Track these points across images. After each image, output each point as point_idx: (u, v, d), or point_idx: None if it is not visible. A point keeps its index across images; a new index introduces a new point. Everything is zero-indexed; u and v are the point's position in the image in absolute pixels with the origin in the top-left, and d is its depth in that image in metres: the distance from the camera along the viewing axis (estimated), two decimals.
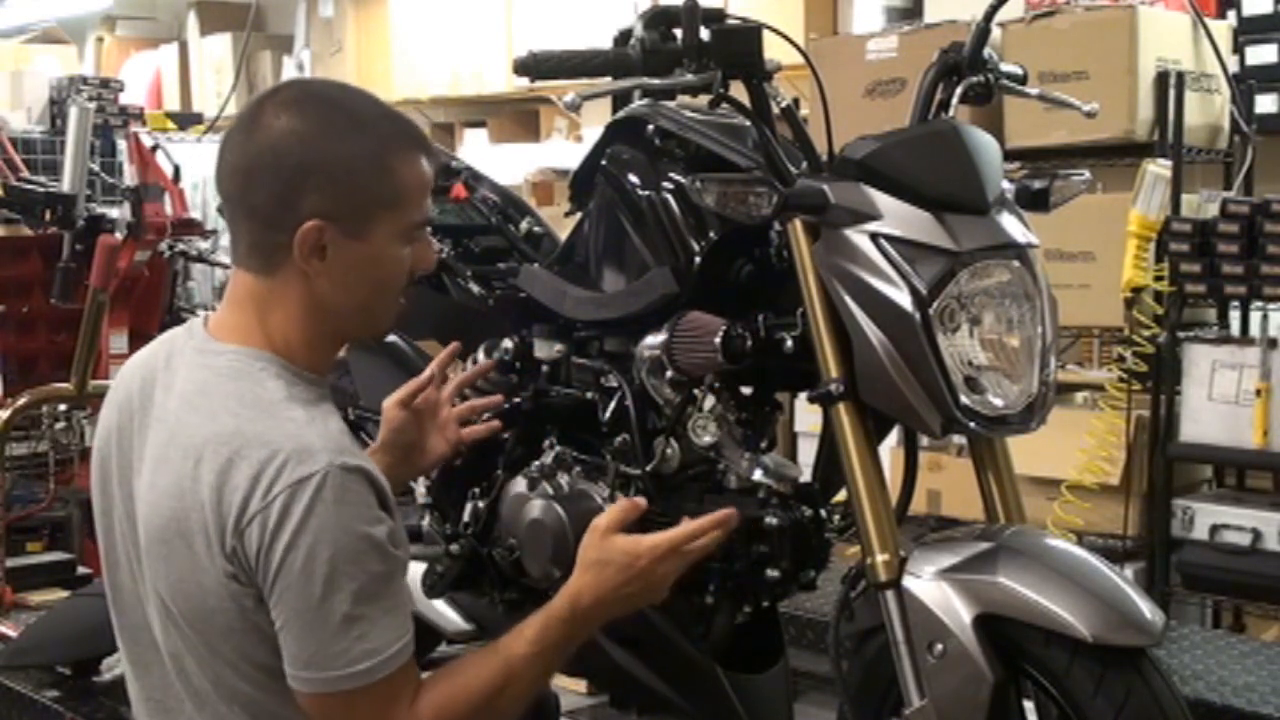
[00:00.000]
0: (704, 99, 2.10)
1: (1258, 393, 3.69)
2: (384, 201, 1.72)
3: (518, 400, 2.54)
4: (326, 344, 1.79)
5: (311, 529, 1.60)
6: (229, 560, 1.64)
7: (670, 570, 1.88)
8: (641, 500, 1.99)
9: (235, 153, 1.71)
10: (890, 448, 2.69)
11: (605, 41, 2.29)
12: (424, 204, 1.78)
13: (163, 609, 1.72)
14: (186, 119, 7.10)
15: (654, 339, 2.24)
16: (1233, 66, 4.08)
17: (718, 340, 2.14)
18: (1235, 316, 4.08)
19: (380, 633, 1.67)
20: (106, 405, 1.84)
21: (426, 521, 2.66)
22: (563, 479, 2.40)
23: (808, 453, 4.28)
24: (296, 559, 1.61)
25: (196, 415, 1.68)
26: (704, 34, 2.10)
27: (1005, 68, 2.22)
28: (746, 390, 2.32)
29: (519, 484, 2.47)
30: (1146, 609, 1.86)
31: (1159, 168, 3.77)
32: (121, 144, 4.96)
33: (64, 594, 3.93)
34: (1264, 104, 4.06)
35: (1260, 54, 4.07)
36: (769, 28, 2.17)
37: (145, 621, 1.78)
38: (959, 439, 3.42)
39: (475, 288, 2.69)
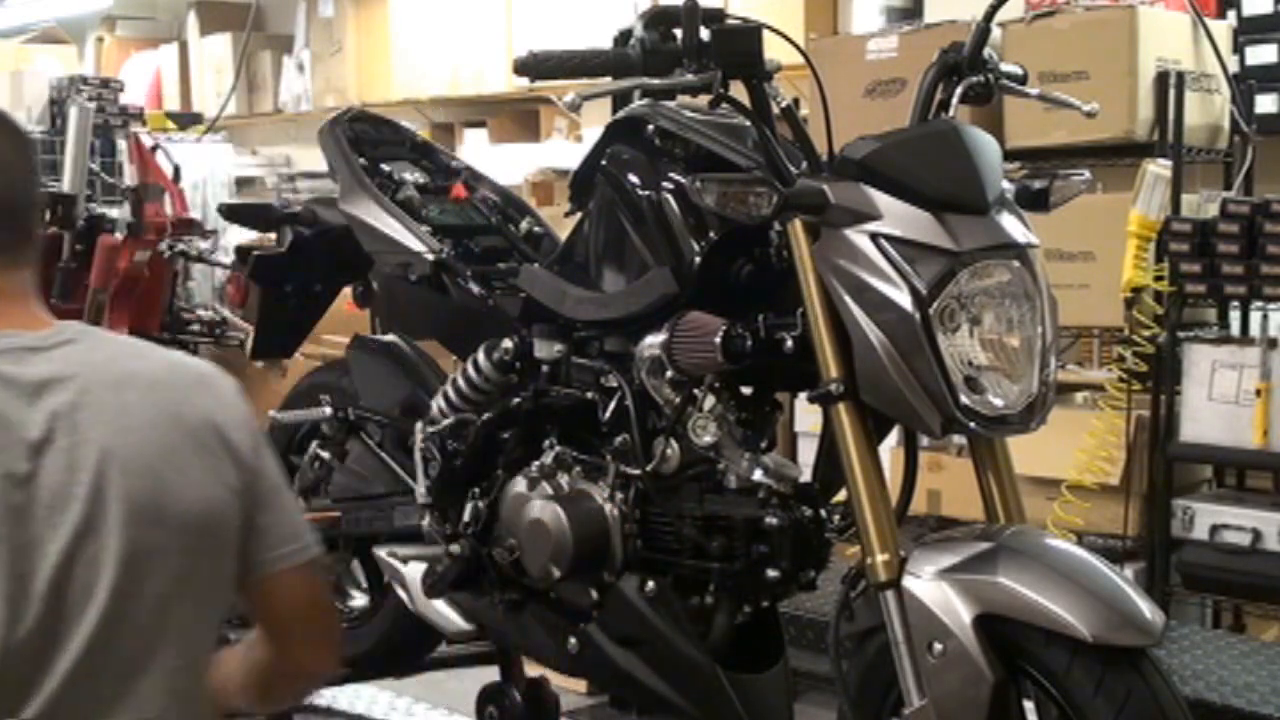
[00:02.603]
0: (704, 99, 2.10)
1: (1258, 393, 3.68)
2: None
3: (518, 400, 2.54)
4: None
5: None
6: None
7: None
8: None
9: None
10: (890, 448, 2.69)
11: (605, 41, 2.29)
12: None
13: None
14: (186, 119, 7.10)
15: (654, 339, 2.24)
16: (1233, 66, 4.07)
17: (718, 340, 2.14)
18: (1235, 316, 4.08)
19: None
20: None
21: (426, 521, 2.65)
22: (563, 479, 2.41)
23: (808, 453, 4.27)
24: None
25: (138, 362, 1.56)
26: (704, 34, 2.11)
27: (1005, 68, 2.23)
28: (746, 390, 2.32)
29: (519, 484, 2.47)
30: (1146, 609, 1.86)
31: (1159, 168, 3.76)
32: (121, 144, 4.96)
33: None
34: (1264, 104, 4.05)
35: (1260, 54, 4.07)
36: (769, 28, 2.17)
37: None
38: (959, 439, 3.42)
39: (475, 288, 2.69)
